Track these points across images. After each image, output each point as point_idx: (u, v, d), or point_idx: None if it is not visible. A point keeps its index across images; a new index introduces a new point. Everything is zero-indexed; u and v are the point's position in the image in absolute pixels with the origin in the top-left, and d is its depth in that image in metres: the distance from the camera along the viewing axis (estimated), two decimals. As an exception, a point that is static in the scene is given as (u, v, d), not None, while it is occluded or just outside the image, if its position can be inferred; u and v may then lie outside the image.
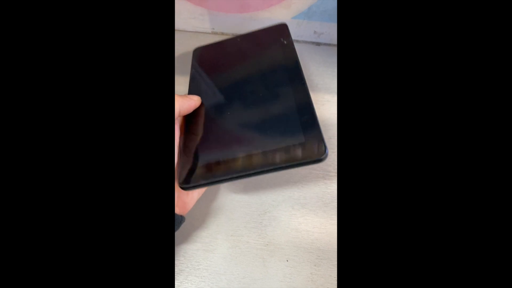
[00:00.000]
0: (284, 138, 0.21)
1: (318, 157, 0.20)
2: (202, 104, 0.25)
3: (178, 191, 0.22)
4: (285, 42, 0.28)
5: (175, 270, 0.24)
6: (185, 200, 0.23)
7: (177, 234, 0.25)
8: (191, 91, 0.27)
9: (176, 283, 0.24)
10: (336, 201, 0.27)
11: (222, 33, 0.38)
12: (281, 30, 0.29)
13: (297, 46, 0.38)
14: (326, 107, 0.33)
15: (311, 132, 0.21)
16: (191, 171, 0.21)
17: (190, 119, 0.25)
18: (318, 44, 0.37)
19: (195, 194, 0.24)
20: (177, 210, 0.22)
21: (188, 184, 0.21)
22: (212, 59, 0.30)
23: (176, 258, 0.25)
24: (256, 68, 0.27)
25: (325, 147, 0.20)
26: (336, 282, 0.24)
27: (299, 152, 0.20)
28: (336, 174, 0.29)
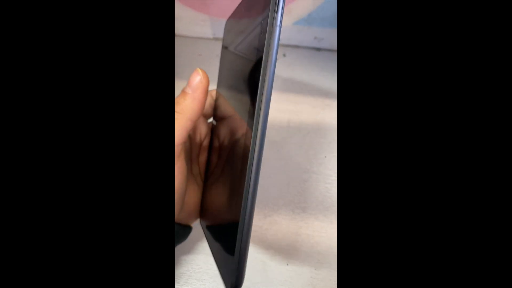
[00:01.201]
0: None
1: None
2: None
3: (186, 199, 0.21)
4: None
5: (176, 273, 0.25)
6: (192, 209, 0.22)
7: (178, 237, 0.26)
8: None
9: (176, 286, 0.24)
10: (336, 204, 0.27)
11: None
12: None
13: (298, 51, 0.38)
14: (326, 111, 0.33)
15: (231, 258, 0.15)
16: None
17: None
18: (318, 49, 0.37)
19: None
20: (184, 220, 0.22)
21: None
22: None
23: (176, 261, 0.25)
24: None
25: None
26: (335, 285, 0.24)
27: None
28: (336, 178, 0.29)
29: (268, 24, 0.14)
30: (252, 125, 0.14)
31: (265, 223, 0.27)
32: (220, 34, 0.38)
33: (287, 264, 0.25)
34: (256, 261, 0.25)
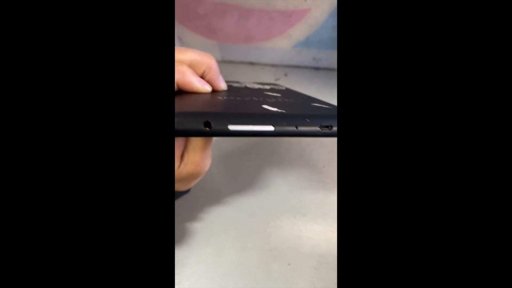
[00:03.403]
0: None
1: None
2: None
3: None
4: None
5: (186, 273, 0.27)
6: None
7: (190, 241, 0.28)
8: None
9: (188, 283, 0.26)
10: (334, 210, 0.30)
11: (231, 61, 0.43)
12: None
13: (298, 71, 0.42)
14: (325, 125, 0.36)
15: None
16: None
17: None
18: (317, 68, 0.41)
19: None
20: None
21: None
22: None
23: (186, 261, 0.27)
24: None
25: None
26: (334, 285, 0.26)
27: None
28: (335, 185, 0.31)
29: None
30: None
31: (268, 227, 0.29)
32: (227, 57, 0.42)
33: (289, 265, 0.27)
34: (260, 262, 0.27)
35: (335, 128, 0.16)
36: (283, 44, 0.38)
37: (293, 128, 0.16)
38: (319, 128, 0.16)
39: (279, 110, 0.17)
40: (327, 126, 0.16)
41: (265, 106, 0.18)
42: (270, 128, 0.15)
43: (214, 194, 0.32)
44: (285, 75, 0.41)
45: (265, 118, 0.16)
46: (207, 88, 0.21)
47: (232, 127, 0.15)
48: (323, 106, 0.20)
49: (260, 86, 0.29)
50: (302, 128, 0.16)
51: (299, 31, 0.36)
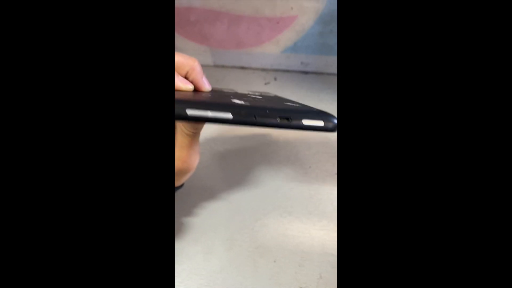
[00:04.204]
0: None
1: None
2: None
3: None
4: None
5: (178, 269, 0.28)
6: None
7: (179, 238, 0.30)
8: None
9: (178, 279, 0.28)
10: (318, 209, 0.31)
11: (223, 66, 0.44)
12: None
13: (287, 75, 0.43)
14: (312, 127, 0.37)
15: None
16: None
17: None
18: (305, 72, 0.42)
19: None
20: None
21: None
22: None
23: (179, 259, 0.29)
24: None
25: None
26: (317, 280, 0.27)
27: None
28: (319, 185, 0.33)
29: None
30: None
31: (256, 225, 0.30)
32: (219, 62, 0.44)
33: (275, 261, 0.28)
34: (247, 258, 0.29)
35: (294, 122, 0.17)
36: (272, 50, 0.40)
37: (252, 118, 0.16)
38: (278, 120, 0.17)
39: (243, 103, 0.18)
40: (286, 118, 0.17)
41: (233, 100, 0.19)
42: (228, 115, 0.16)
43: (204, 193, 0.33)
44: (275, 79, 0.42)
45: (223, 106, 0.16)
46: (189, 87, 0.23)
47: (190, 112, 0.16)
48: (293, 104, 0.21)
49: (250, 93, 0.30)
50: (261, 119, 0.16)
51: (287, 37, 0.37)
